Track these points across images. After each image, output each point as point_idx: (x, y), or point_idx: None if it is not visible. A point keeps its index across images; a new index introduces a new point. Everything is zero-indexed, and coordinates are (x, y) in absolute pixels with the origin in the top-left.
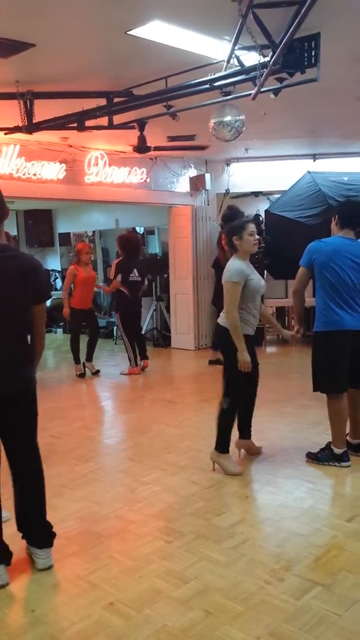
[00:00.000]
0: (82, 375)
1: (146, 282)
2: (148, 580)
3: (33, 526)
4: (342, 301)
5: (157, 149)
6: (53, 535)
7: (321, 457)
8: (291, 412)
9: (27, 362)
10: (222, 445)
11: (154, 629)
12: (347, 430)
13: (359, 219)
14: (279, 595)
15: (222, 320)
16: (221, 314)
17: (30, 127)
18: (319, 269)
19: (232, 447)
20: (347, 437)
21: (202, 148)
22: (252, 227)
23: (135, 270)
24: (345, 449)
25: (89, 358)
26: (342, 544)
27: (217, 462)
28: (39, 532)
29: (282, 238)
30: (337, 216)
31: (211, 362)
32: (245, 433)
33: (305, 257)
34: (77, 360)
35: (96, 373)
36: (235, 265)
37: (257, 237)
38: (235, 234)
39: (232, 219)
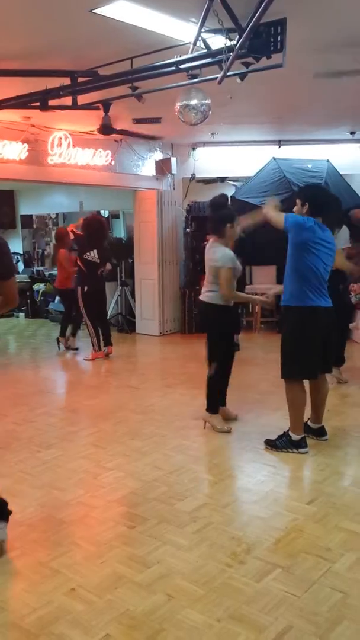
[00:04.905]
0: (68, 348)
1: (109, 267)
2: (110, 566)
3: None
4: (316, 286)
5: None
6: (9, 512)
7: (279, 444)
8: (254, 398)
9: None
10: (211, 407)
11: (116, 613)
12: (308, 416)
13: (329, 207)
14: (239, 577)
15: (203, 296)
16: (202, 290)
17: None
18: (303, 246)
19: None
20: (308, 422)
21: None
22: (239, 218)
23: (95, 252)
24: (303, 435)
25: (73, 333)
26: (302, 526)
27: (208, 421)
28: None
29: None
30: (306, 204)
31: None
32: (221, 401)
33: (297, 226)
34: (62, 333)
35: (71, 349)
36: (227, 253)
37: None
38: (229, 222)
39: (222, 206)
